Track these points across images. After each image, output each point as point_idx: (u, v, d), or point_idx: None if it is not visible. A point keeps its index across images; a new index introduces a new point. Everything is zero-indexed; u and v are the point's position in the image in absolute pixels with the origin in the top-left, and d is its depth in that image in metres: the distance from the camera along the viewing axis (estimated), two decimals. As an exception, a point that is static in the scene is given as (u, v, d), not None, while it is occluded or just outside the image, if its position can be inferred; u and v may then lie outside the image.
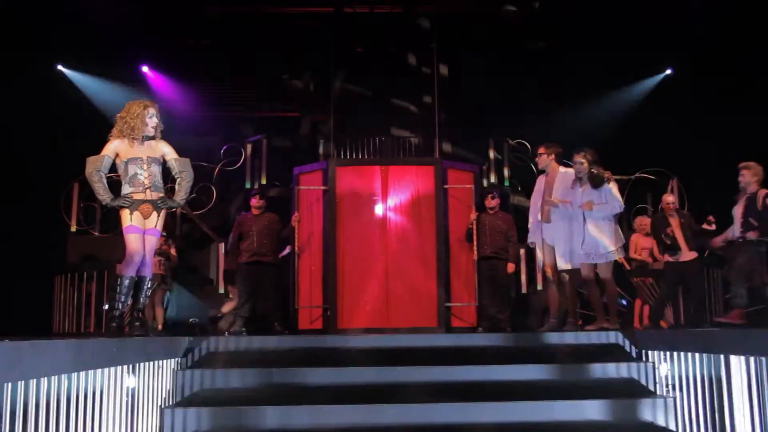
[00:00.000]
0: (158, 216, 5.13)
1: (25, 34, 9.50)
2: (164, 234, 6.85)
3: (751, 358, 3.88)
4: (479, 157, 10.56)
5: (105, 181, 5.06)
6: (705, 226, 7.21)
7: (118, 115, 5.18)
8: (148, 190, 5.10)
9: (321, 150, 11.04)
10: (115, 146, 5.10)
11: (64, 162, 9.84)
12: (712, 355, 4.27)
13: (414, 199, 8.07)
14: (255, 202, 7.90)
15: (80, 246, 8.97)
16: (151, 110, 5.20)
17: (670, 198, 7.83)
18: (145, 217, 5.07)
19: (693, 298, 7.85)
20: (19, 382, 2.93)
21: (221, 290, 8.80)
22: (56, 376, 3.27)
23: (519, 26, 11.18)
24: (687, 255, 7.46)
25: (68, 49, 10.72)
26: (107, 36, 10.03)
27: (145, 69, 11.79)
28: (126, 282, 5.05)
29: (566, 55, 11.10)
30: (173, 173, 5.30)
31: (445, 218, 8.01)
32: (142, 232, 5.07)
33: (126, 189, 5.09)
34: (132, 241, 5.02)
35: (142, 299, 5.27)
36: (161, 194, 5.17)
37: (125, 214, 5.04)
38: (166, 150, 5.27)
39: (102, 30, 9.86)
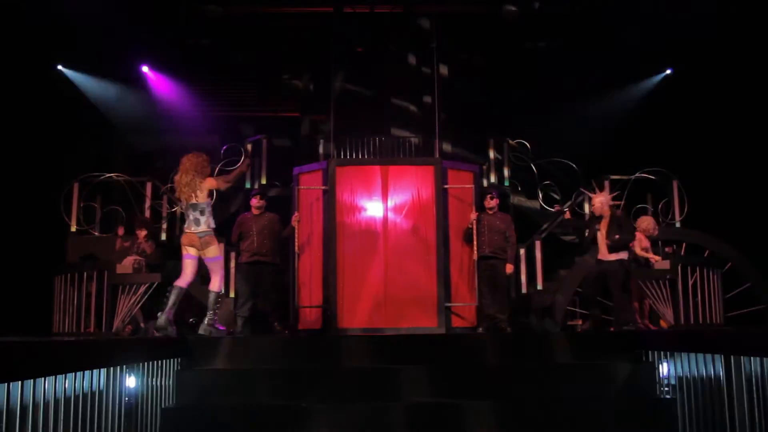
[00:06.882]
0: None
1: (25, 34, 9.48)
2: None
3: (751, 358, 3.88)
4: (479, 157, 10.54)
5: None
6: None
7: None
8: None
9: (321, 150, 11.03)
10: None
11: (64, 162, 9.84)
12: (712, 355, 4.27)
13: (414, 199, 8.06)
14: (255, 202, 7.89)
15: (80, 246, 8.93)
16: None
17: None
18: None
19: None
20: (19, 382, 2.93)
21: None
22: (56, 376, 3.27)
23: (519, 26, 11.17)
24: None
25: (68, 49, 10.71)
26: (107, 36, 10.02)
27: (145, 69, 11.78)
28: None
29: (566, 55, 11.09)
30: None
31: (445, 218, 8.00)
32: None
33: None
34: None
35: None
36: None
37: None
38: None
39: (102, 30, 9.85)
